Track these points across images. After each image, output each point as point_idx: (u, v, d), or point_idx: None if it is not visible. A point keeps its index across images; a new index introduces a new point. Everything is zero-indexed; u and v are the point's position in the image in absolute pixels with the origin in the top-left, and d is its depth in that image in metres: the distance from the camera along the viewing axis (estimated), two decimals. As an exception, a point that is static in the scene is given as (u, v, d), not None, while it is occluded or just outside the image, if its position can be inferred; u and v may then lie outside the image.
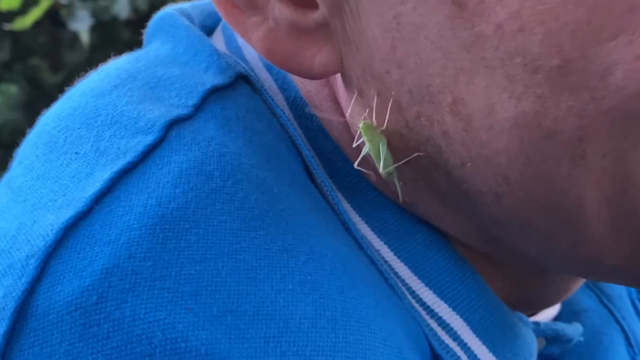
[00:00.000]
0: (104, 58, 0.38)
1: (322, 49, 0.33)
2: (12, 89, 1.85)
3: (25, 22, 1.52)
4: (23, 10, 1.52)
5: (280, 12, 0.32)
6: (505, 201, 0.32)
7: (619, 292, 0.47)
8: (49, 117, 0.34)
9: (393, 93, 0.31)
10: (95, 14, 1.77)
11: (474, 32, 0.28)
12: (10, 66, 1.99)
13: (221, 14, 0.33)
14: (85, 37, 1.70)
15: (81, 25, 1.67)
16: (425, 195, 0.35)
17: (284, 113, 0.35)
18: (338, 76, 0.34)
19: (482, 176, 0.31)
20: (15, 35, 1.90)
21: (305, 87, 0.37)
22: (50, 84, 1.82)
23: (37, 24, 1.73)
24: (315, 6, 0.32)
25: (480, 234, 0.36)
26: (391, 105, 0.32)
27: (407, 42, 0.30)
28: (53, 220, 0.28)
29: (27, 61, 1.99)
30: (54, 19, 1.85)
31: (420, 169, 0.33)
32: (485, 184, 0.31)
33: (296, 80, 0.37)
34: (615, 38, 0.26)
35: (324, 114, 0.36)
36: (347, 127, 0.36)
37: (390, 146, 0.33)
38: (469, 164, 0.31)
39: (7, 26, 1.58)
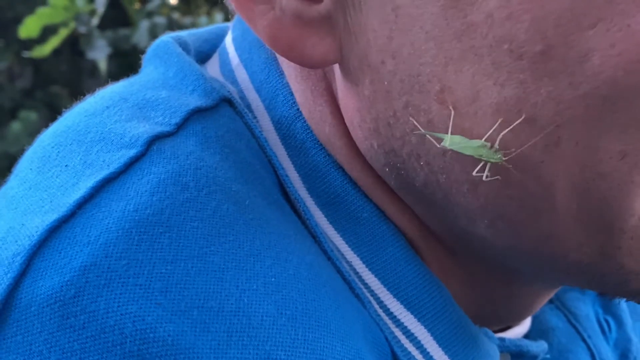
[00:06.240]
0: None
1: (324, 39, 0.35)
2: (32, 116, 1.89)
3: (44, 50, 1.56)
4: (42, 38, 1.56)
5: (287, 2, 0.34)
6: (481, 189, 0.33)
7: (586, 312, 0.49)
8: (45, 135, 0.37)
9: (385, 83, 0.34)
10: (114, 43, 1.81)
11: (466, 21, 0.30)
12: (31, 93, 2.03)
13: (231, 1, 0.35)
14: (103, 65, 1.74)
15: (99, 54, 1.71)
16: (403, 189, 0.37)
17: (261, 134, 0.37)
18: (336, 67, 0.37)
19: (461, 164, 0.33)
20: (36, 64, 1.94)
21: (301, 93, 0.39)
22: (69, 111, 1.86)
23: (58, 53, 1.78)
24: None
25: (451, 229, 0.37)
26: (382, 95, 0.34)
27: (403, 32, 0.32)
28: (39, 223, 0.31)
29: (47, 89, 2.04)
30: (75, 47, 1.90)
31: (402, 160, 0.35)
32: (463, 172, 0.33)
33: (295, 88, 0.39)
34: (594, 26, 0.29)
35: (318, 122, 0.38)
36: (339, 136, 0.38)
37: (379, 135, 0.35)
38: (450, 151, 0.33)
39: (27, 54, 1.62)
